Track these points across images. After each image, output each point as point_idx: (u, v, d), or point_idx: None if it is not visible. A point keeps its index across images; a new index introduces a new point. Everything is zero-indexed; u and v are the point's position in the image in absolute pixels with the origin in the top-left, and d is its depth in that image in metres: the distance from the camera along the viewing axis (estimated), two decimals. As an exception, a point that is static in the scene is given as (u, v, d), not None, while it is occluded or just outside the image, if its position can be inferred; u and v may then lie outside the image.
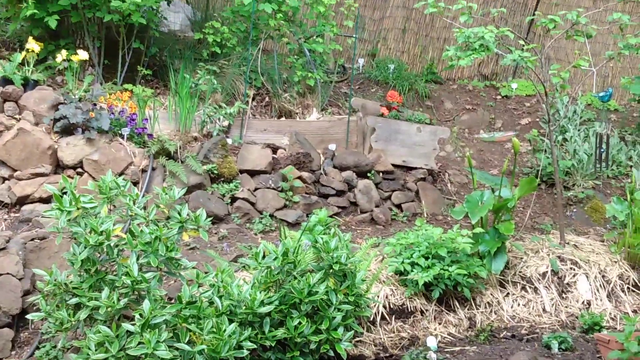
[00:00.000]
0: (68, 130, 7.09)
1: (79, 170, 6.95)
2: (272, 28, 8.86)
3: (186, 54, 8.88)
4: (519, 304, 6.27)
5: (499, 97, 10.66)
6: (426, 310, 5.94)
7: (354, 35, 9.33)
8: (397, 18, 11.80)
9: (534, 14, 8.65)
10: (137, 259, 4.58)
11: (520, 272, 6.48)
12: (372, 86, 10.42)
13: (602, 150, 8.23)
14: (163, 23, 9.56)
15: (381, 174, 7.95)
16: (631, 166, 8.45)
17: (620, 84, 8.92)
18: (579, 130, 8.85)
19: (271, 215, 7.23)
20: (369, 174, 7.85)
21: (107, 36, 8.48)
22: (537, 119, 9.84)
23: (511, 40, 7.10)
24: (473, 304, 6.13)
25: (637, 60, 8.91)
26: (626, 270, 6.59)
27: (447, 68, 10.87)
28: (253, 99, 8.79)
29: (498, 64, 11.13)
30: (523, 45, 6.74)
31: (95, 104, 7.34)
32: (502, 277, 6.41)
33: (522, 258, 6.60)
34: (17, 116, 7.13)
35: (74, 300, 4.59)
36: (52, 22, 7.80)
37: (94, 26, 8.29)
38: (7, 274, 5.52)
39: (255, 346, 4.50)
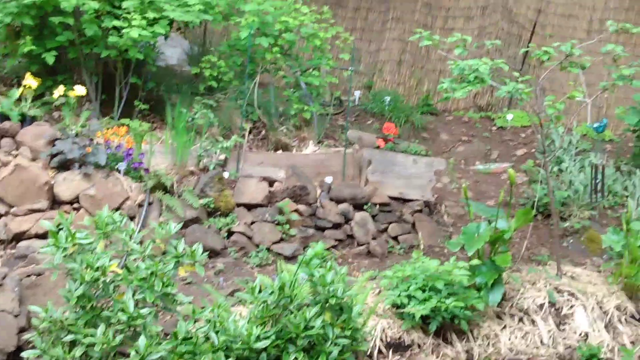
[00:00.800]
0: (65, 166, 7.11)
1: (76, 205, 6.95)
2: (268, 62, 8.93)
3: (183, 88, 8.94)
4: (516, 337, 6.25)
5: (494, 128, 10.71)
6: (423, 343, 5.92)
7: (350, 68, 9.39)
8: (393, 50, 11.90)
9: (528, 46, 8.71)
10: (133, 295, 4.57)
11: (517, 304, 6.47)
12: (368, 118, 10.47)
13: (597, 180, 8.25)
14: (160, 57, 9.62)
15: (377, 206, 7.95)
16: (627, 196, 8.45)
17: (615, 114, 8.95)
18: (574, 160, 8.87)
19: (268, 249, 7.23)
20: (365, 206, 7.85)
21: (105, 71, 8.54)
22: (533, 150, 9.86)
23: (506, 72, 7.14)
24: (471, 337, 6.11)
25: (632, 90, 8.94)
26: (623, 301, 6.57)
27: (442, 100, 10.91)
28: (250, 132, 8.83)
29: (493, 96, 11.18)
30: (518, 77, 6.79)
31: (92, 139, 7.36)
32: (500, 309, 6.39)
33: (519, 290, 6.59)
34: (14, 152, 7.15)
35: (70, 337, 4.57)
36: (50, 58, 7.86)
37: (91, 62, 8.36)
38: (3, 311, 5.49)
39: (251, 382, 4.49)
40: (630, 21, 10.69)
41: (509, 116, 10.66)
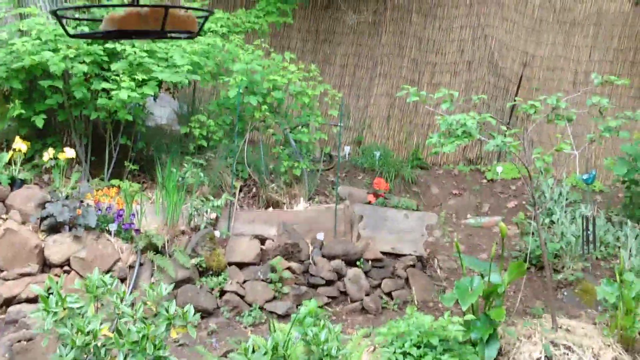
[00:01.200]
0: (55, 229, 7.08)
1: (67, 268, 6.91)
2: (257, 120, 8.96)
3: (173, 148, 8.95)
4: (514, 392, 6.18)
5: (484, 180, 10.74)
6: (420, 401, 5.84)
7: (339, 124, 9.44)
8: (382, 105, 11.99)
9: (514, 99, 8.79)
10: (125, 359, 4.50)
11: (513, 358, 6.40)
12: (359, 173, 10.49)
13: (589, 232, 8.25)
14: (149, 117, 9.66)
15: (370, 262, 7.92)
16: (619, 247, 8.45)
17: (604, 165, 9.00)
18: (565, 212, 8.89)
19: (261, 308, 7.18)
20: (358, 262, 7.82)
21: (94, 133, 8.55)
22: (524, 202, 9.89)
23: (493, 125, 7.19)
24: (468, 393, 6.03)
25: (619, 141, 9.02)
26: (620, 353, 6.51)
27: (432, 153, 10.97)
28: (240, 190, 8.83)
29: (482, 148, 11.24)
30: (505, 131, 6.82)
31: (82, 201, 7.34)
32: (496, 364, 6.32)
33: (514, 344, 6.52)
34: (4, 216, 7.13)
35: (61, 404, 4.49)
36: (39, 122, 7.88)
37: (80, 124, 8.37)
38: (-7, 377, 5.43)
39: None
40: (615, 73, 10.86)
41: (499, 169, 10.70)
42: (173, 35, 2.22)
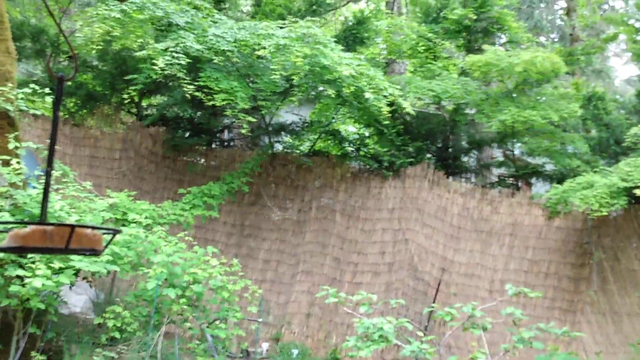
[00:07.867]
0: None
1: None
2: (175, 313, 8.82)
3: (84, 339, 8.68)
4: None
5: (403, 385, 10.63)
6: None
7: (258, 320, 9.35)
8: (302, 303, 11.97)
9: (433, 304, 8.90)
10: None
11: None
12: (276, 372, 10.30)
13: None
14: (64, 305, 9.41)
15: None
16: None
17: (519, 375, 9.05)
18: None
19: None
20: None
21: (3, 320, 8.25)
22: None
23: (410, 330, 7.22)
24: None
25: (534, 351, 9.10)
26: None
27: (350, 355, 10.89)
28: (151, 386, 8.53)
29: (399, 351, 11.20)
30: (422, 337, 6.86)
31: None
32: None
33: None
34: None
35: None
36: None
37: (-11, 310, 8.11)
38: None
39: None
40: (529, 283, 11.17)
41: (416, 375, 10.64)
42: (78, 252, 2.23)
